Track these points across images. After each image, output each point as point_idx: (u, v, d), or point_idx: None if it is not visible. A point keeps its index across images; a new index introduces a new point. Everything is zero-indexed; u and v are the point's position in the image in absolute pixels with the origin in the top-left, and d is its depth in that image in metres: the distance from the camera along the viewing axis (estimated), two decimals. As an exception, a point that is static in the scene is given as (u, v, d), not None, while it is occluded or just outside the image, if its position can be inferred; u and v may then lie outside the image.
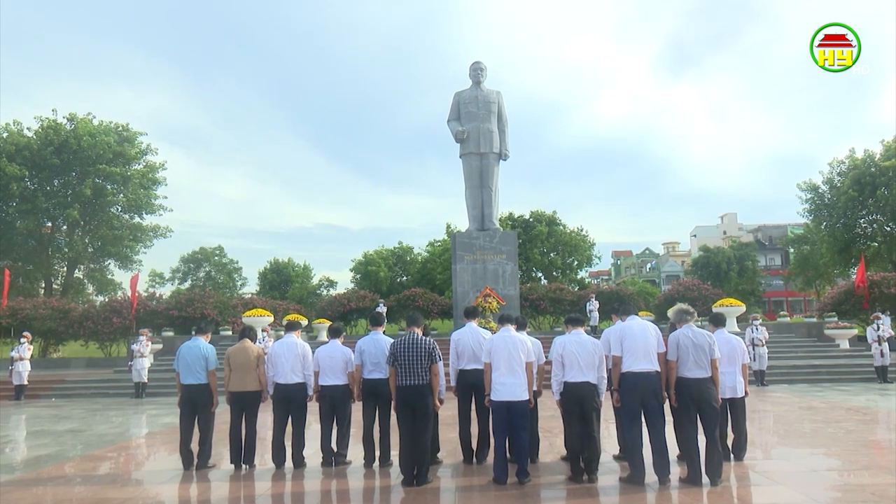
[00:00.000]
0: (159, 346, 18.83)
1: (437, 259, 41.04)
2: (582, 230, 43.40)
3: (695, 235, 75.47)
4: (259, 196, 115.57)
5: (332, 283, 53.11)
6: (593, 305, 23.06)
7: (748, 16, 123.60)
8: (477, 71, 21.08)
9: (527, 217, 42.50)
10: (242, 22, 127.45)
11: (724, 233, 70.95)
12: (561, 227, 42.25)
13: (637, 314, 5.80)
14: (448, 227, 43.18)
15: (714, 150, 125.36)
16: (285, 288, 52.22)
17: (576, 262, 42.56)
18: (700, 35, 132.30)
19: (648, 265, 77.24)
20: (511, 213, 42.86)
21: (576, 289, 34.02)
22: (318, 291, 51.15)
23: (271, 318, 20.00)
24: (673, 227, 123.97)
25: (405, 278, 46.42)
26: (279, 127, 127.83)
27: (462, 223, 46.51)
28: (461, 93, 21.16)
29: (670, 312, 5.80)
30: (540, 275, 42.81)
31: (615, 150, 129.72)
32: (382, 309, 23.50)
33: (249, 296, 36.40)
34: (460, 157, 20.95)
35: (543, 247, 40.81)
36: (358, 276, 46.02)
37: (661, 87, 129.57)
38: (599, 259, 44.65)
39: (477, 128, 20.44)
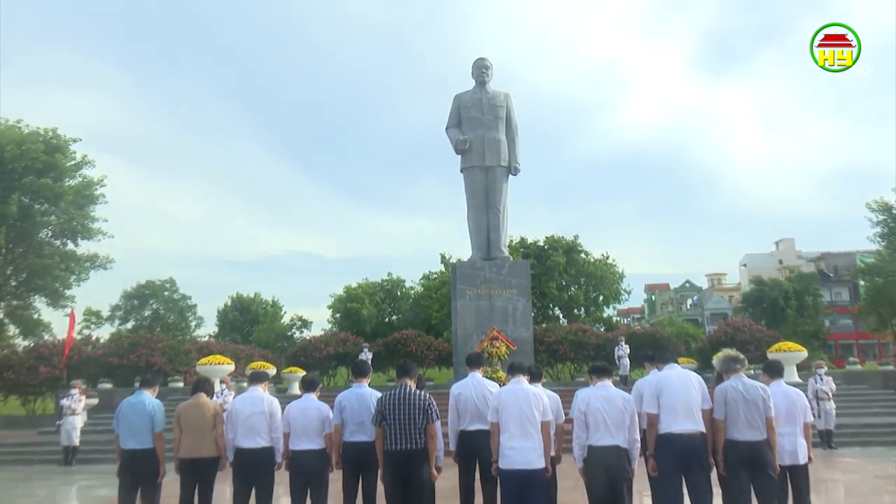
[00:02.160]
0: (94, 402, 18.63)
1: (434, 294, 40.98)
2: (608, 259, 43.51)
3: (745, 265, 75.55)
4: (219, 218, 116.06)
5: (305, 324, 52.98)
6: (623, 351, 22.97)
7: (804, 3, 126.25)
8: (481, 69, 21.41)
9: (542, 243, 42.62)
10: (201, 9, 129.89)
11: (780, 262, 71.11)
12: (583, 256, 42.33)
13: (676, 362, 5.81)
14: (443, 256, 43.39)
15: (765, 162, 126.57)
16: (249, 329, 51.94)
17: (601, 298, 42.55)
18: (746, 26, 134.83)
19: (689, 301, 77.18)
20: (523, 239, 43.03)
21: (602, 330, 33.95)
22: (290, 334, 50.94)
23: (232, 367, 19.85)
24: (718, 256, 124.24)
25: (395, 318, 46.16)
26: (245, 135, 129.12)
27: (463, 251, 46.65)
28: (462, 95, 21.44)
29: (716, 360, 5.81)
30: (558, 313, 42.72)
31: (647, 163, 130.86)
32: (367, 355, 23.36)
33: (206, 339, 36.24)
34: (461, 171, 21.11)
35: (562, 279, 40.86)
36: (337, 314, 45.75)
37: (699, 88, 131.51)
38: (630, 294, 44.70)
39: (481, 136, 20.64)
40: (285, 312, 56.81)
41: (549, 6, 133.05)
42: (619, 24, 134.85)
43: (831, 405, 14.45)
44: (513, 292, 20.01)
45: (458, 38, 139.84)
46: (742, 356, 5.74)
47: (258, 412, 6.32)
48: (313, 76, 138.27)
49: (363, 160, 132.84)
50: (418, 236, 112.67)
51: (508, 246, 23.78)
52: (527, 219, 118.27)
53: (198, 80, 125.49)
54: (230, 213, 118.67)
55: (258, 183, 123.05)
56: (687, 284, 77.21)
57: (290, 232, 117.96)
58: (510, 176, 20.98)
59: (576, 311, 41.81)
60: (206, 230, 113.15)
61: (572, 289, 41.47)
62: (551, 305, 42.12)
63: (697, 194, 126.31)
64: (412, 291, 46.71)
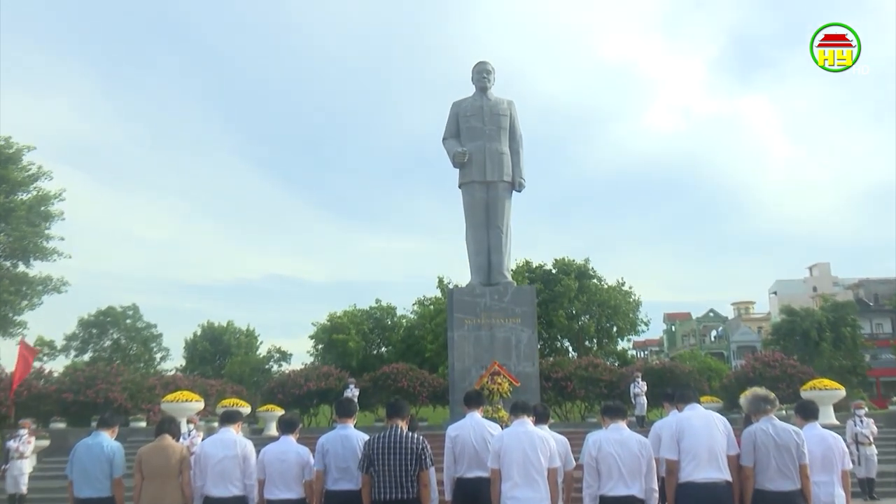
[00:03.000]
0: (46, 444, 18.50)
1: (428, 324, 40.93)
2: (623, 285, 43.55)
3: (775, 293, 75.70)
4: (190, 237, 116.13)
5: (284, 356, 52.94)
6: (639, 388, 22.91)
7: (836, 4, 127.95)
8: (482, 74, 21.60)
9: (549, 267, 42.69)
10: (172, 5, 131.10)
11: (814, 289, 71.31)
12: (595, 282, 42.37)
13: (699, 401, 5.81)
14: (442, 280, 43.39)
15: (797, 178, 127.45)
16: (221, 362, 51.78)
17: (615, 329, 42.53)
18: (774, 28, 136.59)
19: (714, 332, 77.19)
20: (528, 262, 43.11)
21: (616, 365, 33.82)
22: (266, 367, 50.81)
23: (201, 405, 19.75)
24: (745, 282, 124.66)
25: (384, 350, 46.00)
26: (221, 145, 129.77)
27: (461, 275, 46.46)
28: (461, 103, 21.61)
29: (744, 400, 5.81)
30: (567, 345, 42.67)
31: (665, 178, 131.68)
32: (353, 392, 23.25)
33: (172, 373, 36.03)
34: (460, 186, 21.21)
35: (572, 307, 40.86)
36: (320, 346, 45.58)
37: (723, 96, 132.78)
38: (647, 324, 44.72)
39: (482, 148, 20.76)
40: (262, 343, 56.61)
41: (558, 4, 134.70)
42: (635, 24, 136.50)
43: (872, 450, 14.39)
44: (516, 322, 19.99)
45: (458, 38, 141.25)
46: (773, 395, 5.74)
47: (230, 456, 6.28)
48: (298, 79, 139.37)
49: (351, 173, 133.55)
50: (411, 259, 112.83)
51: (512, 270, 23.81)
52: (532, 240, 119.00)
53: (169, 82, 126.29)
54: (202, 231, 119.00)
55: (234, 198, 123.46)
56: (711, 314, 77.34)
57: (269, 253, 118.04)
58: (514, 192, 21.07)
59: (587, 343, 41.76)
60: (174, 251, 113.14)
61: (583, 318, 41.44)
62: (559, 337, 42.07)
63: (722, 213, 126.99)
64: (404, 320, 46.57)
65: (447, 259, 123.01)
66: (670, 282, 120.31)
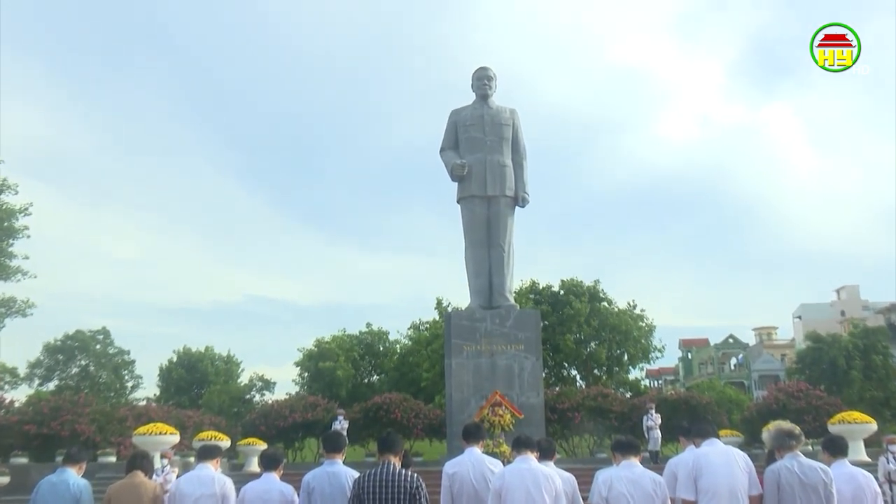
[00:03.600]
0: (6, 481, 18.38)
1: (424, 350, 40.84)
2: (635, 308, 43.51)
3: (799, 317, 75.64)
4: (165, 255, 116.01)
5: (267, 385, 52.78)
6: (653, 421, 22.82)
7: (866, 4, 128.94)
8: (483, 81, 21.74)
9: (556, 289, 42.68)
10: (151, 8, 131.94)
11: (843, 314, 71.29)
12: (605, 305, 42.35)
13: (717, 436, 5.79)
14: (440, 302, 43.34)
15: (823, 193, 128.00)
16: (198, 391, 51.61)
17: (627, 356, 42.44)
18: (798, 30, 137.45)
19: (733, 360, 76.96)
20: (534, 283, 43.12)
21: (627, 395, 33.77)
22: (248, 397, 50.72)
23: (177, 438, 19.63)
24: (768, 305, 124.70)
25: (376, 378, 46.00)
26: (199, 156, 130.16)
27: (460, 298, 46.38)
28: (460, 111, 21.74)
29: (767, 434, 5.82)
30: (575, 374, 42.56)
31: (680, 193, 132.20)
32: (342, 425, 23.13)
33: (145, 403, 35.95)
34: (458, 201, 21.28)
35: (580, 333, 40.83)
36: (306, 374, 45.44)
37: (742, 104, 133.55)
38: (662, 352, 44.61)
39: (482, 160, 20.86)
40: (243, 371, 56.41)
41: (563, 4, 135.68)
42: (648, 25, 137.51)
43: (907, 490, 14.34)
44: (520, 348, 19.98)
45: (456, 41, 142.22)
46: (798, 430, 5.73)
47: (208, 494, 6.26)
48: (282, 83, 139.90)
49: (341, 186, 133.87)
50: (406, 279, 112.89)
51: (516, 291, 23.82)
52: (536, 259, 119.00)
53: (142, 86, 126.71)
54: (178, 249, 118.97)
55: (213, 213, 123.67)
56: (730, 340, 77.14)
57: (251, 273, 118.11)
58: (517, 208, 21.14)
59: (596, 371, 41.64)
60: (148, 270, 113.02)
61: (592, 345, 41.37)
62: (566, 364, 41.99)
63: (741, 231, 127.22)
64: (398, 346, 46.50)
65: (445, 280, 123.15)
66: (686, 305, 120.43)
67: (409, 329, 46.00)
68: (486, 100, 21.50)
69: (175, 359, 54.30)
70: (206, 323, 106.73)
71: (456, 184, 21.22)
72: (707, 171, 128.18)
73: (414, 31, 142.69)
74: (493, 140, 21.01)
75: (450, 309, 36.64)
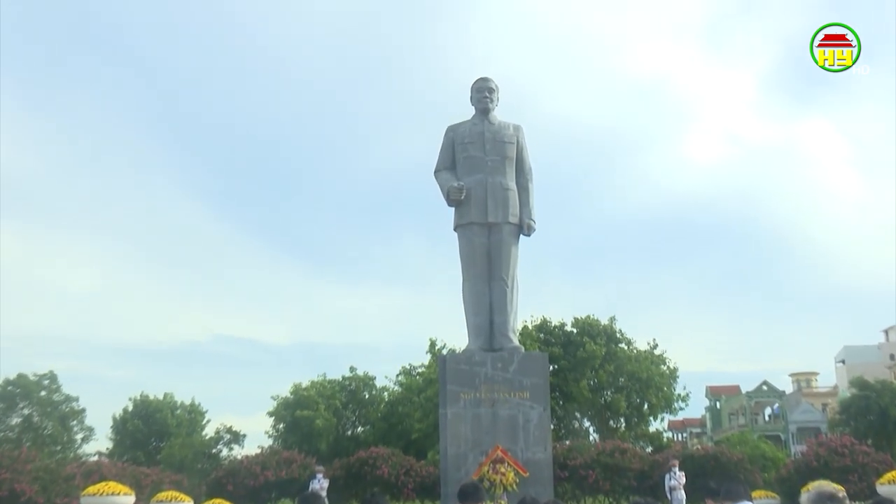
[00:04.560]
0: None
1: (416, 398, 40.87)
2: (656, 349, 43.60)
3: (842, 362, 75.67)
4: (122, 289, 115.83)
5: (236, 438, 52.59)
6: (676, 480, 22.71)
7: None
8: (484, 93, 21.82)
9: (568, 328, 42.72)
10: (104, 6, 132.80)
11: (892, 357, 71.36)
12: (623, 347, 42.37)
13: (750, 498, 5.75)
14: (433, 344, 43.23)
15: (869, 222, 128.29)
16: (157, 444, 51.46)
17: (647, 406, 42.39)
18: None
19: (768, 410, 76.86)
20: (545, 319, 43.19)
21: (648, 450, 33.68)
22: (214, 451, 50.75)
23: (132, 499, 19.55)
24: (807, 348, 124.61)
25: (361, 429, 45.98)
26: (161, 176, 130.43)
27: (457, 338, 46.46)
28: (458, 128, 21.80)
29: (806, 497, 5.78)
30: (589, 426, 42.54)
31: (707, 221, 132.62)
32: (321, 484, 23.04)
33: (96, 458, 35.66)
34: (455, 229, 21.29)
35: (595, 378, 40.83)
36: (281, 425, 45.47)
37: (777, 120, 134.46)
38: (686, 400, 44.63)
39: (483, 183, 20.86)
40: (208, 422, 56.31)
41: (574, 8, 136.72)
42: (671, 33, 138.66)
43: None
44: (524, 397, 19.86)
45: (453, 50, 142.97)
46: (842, 492, 5.70)
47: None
48: (259, 99, 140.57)
49: (323, 213, 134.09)
50: (395, 317, 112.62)
51: (521, 331, 23.80)
52: (544, 295, 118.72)
53: (99, 97, 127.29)
54: (137, 282, 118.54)
55: (178, 241, 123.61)
56: (764, 388, 77.07)
57: (220, 309, 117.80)
58: (522, 236, 21.18)
59: (613, 422, 41.61)
60: (101, 306, 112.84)
61: (608, 393, 41.36)
62: (579, 415, 41.99)
63: (776, 264, 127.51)
64: (385, 393, 46.53)
65: (439, 318, 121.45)
66: (714, 348, 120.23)
67: (398, 374, 46.07)
68: (486, 114, 21.55)
69: (131, 407, 54.11)
70: (168, 366, 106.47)
71: (452, 209, 21.22)
72: (737, 197, 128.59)
73: (403, 37, 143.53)
74: (494, 160, 21.03)
75: (445, 351, 36.47)
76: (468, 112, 22.09)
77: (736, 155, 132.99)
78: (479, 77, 22.69)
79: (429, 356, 42.96)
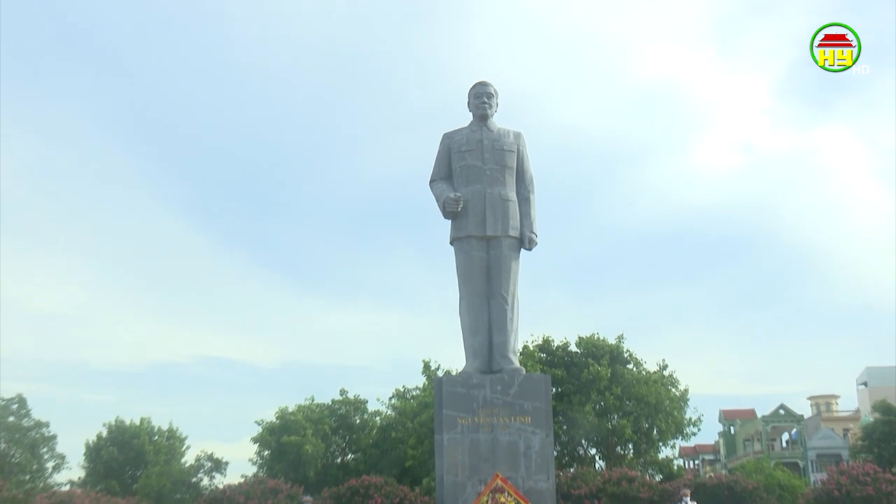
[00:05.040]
0: None
1: (410, 423, 40.83)
2: (666, 370, 43.61)
3: (865, 384, 75.76)
4: (95, 308, 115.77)
5: (218, 465, 52.69)
6: (689, 511, 22.71)
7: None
8: (482, 98, 21.81)
9: (572, 348, 42.72)
10: (75, 7, 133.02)
11: (918, 379, 71.29)
12: (631, 368, 42.35)
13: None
14: (427, 365, 43.27)
15: (890, 232, 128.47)
16: (134, 473, 51.46)
17: (656, 431, 42.33)
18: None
19: (785, 436, 76.75)
20: (547, 339, 43.17)
21: (657, 479, 33.59)
22: (194, 480, 50.76)
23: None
24: (826, 369, 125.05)
25: (351, 456, 45.88)
26: (137, 188, 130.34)
27: (453, 360, 46.52)
28: (454, 135, 21.81)
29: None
30: (594, 452, 42.39)
31: (720, 235, 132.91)
32: (308, 514, 23.07)
33: (67, 488, 35.51)
34: (452, 243, 21.22)
35: (601, 402, 40.77)
36: (266, 452, 45.33)
37: (792, 127, 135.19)
38: (699, 425, 44.55)
39: (481, 194, 20.84)
40: (188, 448, 56.46)
41: (578, 11, 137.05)
42: (680, 36, 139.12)
43: None
44: (526, 422, 19.78)
45: (450, 53, 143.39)
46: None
47: None
48: (241, 107, 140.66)
49: (310, 227, 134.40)
50: (387, 337, 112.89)
51: (522, 352, 23.71)
52: (547, 312, 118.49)
53: (67, 100, 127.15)
54: (111, 301, 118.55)
55: (157, 257, 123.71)
56: (781, 412, 77.04)
57: (201, 329, 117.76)
58: (523, 251, 21.16)
59: (620, 449, 41.52)
60: (74, 326, 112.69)
61: (615, 417, 41.30)
62: (584, 441, 41.87)
63: (793, 280, 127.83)
64: (378, 418, 46.45)
65: (434, 338, 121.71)
66: (728, 369, 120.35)
67: (391, 397, 46.05)
68: (485, 121, 21.54)
69: (105, 433, 54.16)
70: (145, 389, 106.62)
71: (449, 222, 21.20)
72: (750, 209, 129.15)
73: (395, 40, 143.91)
74: (493, 169, 21.02)
75: (440, 373, 36.44)
76: (465, 118, 22.11)
77: (749, 164, 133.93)
78: (476, 81, 22.70)
79: (423, 378, 42.98)
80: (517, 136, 22.30)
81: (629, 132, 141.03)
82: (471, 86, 22.57)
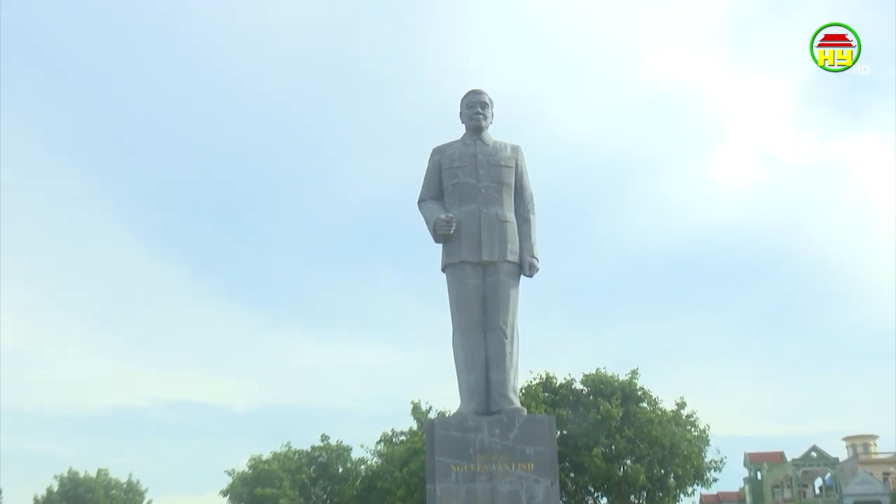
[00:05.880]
0: None
1: (398, 472, 41.09)
2: (684, 409, 43.66)
3: (906, 422, 75.78)
4: (44, 347, 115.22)
5: (184, 521, 52.58)
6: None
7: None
8: (476, 109, 21.77)
9: (578, 385, 42.79)
10: (23, 12, 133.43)
11: (964, 417, 71.47)
12: (646, 407, 42.40)
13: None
14: (417, 407, 43.29)
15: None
16: (88, 531, 51.14)
17: (674, 477, 42.35)
18: (889, 36, 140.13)
19: (819, 481, 76.78)
20: (550, 376, 43.19)
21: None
22: (157, 538, 50.22)
23: None
24: (862, 406, 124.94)
25: (333, 510, 45.75)
26: (93, 210, 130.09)
27: (446, 400, 46.71)
28: (445, 149, 21.77)
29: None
30: (604, 502, 42.34)
31: (741, 256, 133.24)
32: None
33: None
34: (443, 269, 21.15)
35: (611, 445, 40.82)
36: (239, 504, 45.29)
37: (819, 136, 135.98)
38: (721, 469, 44.57)
39: (476, 214, 20.79)
40: (150, 502, 56.03)
41: (582, 12, 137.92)
42: (693, 37, 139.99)
43: None
44: (528, 469, 19.68)
45: (441, 59, 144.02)
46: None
47: None
48: (204, 117, 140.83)
49: (285, 253, 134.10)
50: (372, 374, 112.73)
51: (523, 390, 23.62)
52: (551, 345, 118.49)
53: (14, 112, 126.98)
54: (62, 338, 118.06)
55: (114, 288, 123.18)
56: (814, 454, 77.14)
57: (165, 368, 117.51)
58: (523, 277, 21.15)
59: (633, 498, 41.49)
60: (20, 367, 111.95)
61: (628, 462, 41.30)
62: (592, 489, 41.88)
63: (823, 305, 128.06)
64: (363, 466, 46.41)
65: (424, 376, 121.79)
66: (753, 406, 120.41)
67: (377, 443, 46.26)
68: (479, 133, 21.54)
69: (56, 487, 54.18)
70: (101, 437, 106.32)
71: (440, 246, 21.21)
72: (774, 227, 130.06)
73: (380, 44, 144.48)
74: (489, 187, 21.00)
75: (432, 415, 36.43)
76: (457, 131, 22.15)
77: (771, 177, 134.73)
78: (470, 90, 22.71)
79: (413, 421, 43.00)
80: (515, 149, 22.28)
81: (638, 143, 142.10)
82: (463, 95, 22.64)
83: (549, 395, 41.93)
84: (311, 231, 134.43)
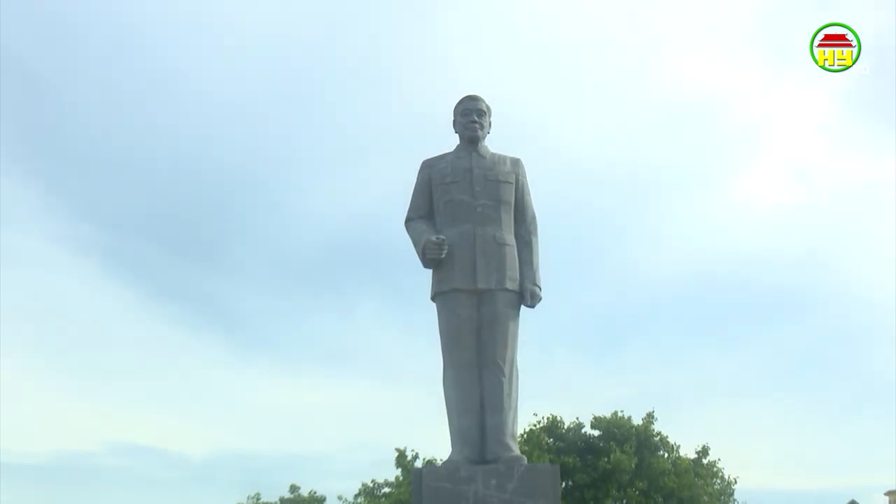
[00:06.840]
0: None
1: (381, 528, 40.65)
2: (707, 457, 43.65)
3: (955, 474, 75.69)
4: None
5: (136, 584, 52.41)
6: None
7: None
8: (471, 116, 21.61)
9: (586, 430, 42.81)
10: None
11: None
12: (662, 455, 42.37)
13: None
14: (402, 454, 43.27)
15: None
16: None
17: (695, 533, 42.36)
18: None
19: (856, 540, 76.58)
20: (555, 419, 43.09)
21: None
22: None
23: None
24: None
25: (307, 572, 45.64)
26: (33, 228, 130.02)
27: (435, 446, 46.39)
28: (436, 162, 21.66)
29: None
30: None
31: (770, 287, 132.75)
32: None
33: None
34: (434, 298, 21.06)
35: (623, 498, 40.78)
36: (199, 566, 45.25)
37: (861, 151, 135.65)
38: (748, 523, 44.60)
39: (470, 236, 20.67)
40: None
41: (590, 11, 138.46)
42: (717, 43, 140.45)
43: None
44: (529, 525, 19.70)
45: (432, 62, 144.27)
46: None
47: None
48: (159, 119, 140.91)
49: (252, 278, 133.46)
50: (351, 416, 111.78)
51: (524, 435, 23.59)
52: (555, 384, 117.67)
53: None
54: (3, 376, 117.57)
55: (57, 317, 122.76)
56: (852, 509, 77.04)
57: (116, 409, 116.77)
58: (523, 307, 21.08)
59: (650, 557, 41.45)
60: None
61: (643, 515, 41.32)
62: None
63: (864, 343, 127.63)
64: (341, 521, 46.36)
65: (410, 419, 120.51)
66: (783, 454, 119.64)
67: (357, 495, 45.97)
68: (475, 145, 21.44)
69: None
70: (45, 485, 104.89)
71: (430, 272, 21.15)
72: (808, 252, 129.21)
73: (361, 45, 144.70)
74: (486, 205, 20.89)
75: (420, 463, 36.21)
76: (450, 142, 22.04)
77: (806, 197, 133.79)
78: (464, 95, 22.60)
79: (398, 470, 42.91)
80: (515, 163, 22.13)
81: (656, 159, 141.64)
82: (457, 101, 22.52)
83: (553, 440, 41.72)
84: (281, 253, 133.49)
